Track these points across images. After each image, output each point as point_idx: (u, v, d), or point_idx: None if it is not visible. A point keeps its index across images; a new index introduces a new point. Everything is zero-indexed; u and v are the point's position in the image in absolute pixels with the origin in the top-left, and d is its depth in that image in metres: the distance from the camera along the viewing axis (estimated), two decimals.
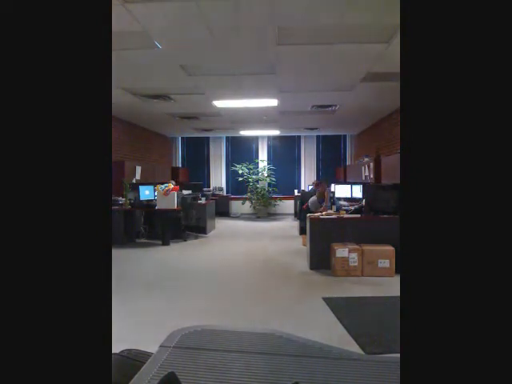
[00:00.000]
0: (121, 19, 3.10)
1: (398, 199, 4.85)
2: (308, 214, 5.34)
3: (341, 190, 8.01)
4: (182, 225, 7.09)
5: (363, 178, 8.07)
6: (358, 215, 5.12)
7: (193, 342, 1.16)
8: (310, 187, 8.19)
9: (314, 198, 5.91)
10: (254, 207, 11.16)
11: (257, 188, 11.05)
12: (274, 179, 11.21)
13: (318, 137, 11.56)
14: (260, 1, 2.86)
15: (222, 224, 9.35)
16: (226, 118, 7.98)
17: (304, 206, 6.48)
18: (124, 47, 3.79)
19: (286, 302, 3.65)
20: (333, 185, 8.34)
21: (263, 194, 11.00)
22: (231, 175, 11.65)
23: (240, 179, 11.02)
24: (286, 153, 11.77)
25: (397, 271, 4.48)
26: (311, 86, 5.44)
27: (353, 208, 5.74)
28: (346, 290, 4.03)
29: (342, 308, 3.41)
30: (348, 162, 11.33)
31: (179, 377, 0.84)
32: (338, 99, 6.36)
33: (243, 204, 11.23)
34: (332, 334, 2.89)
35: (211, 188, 11.58)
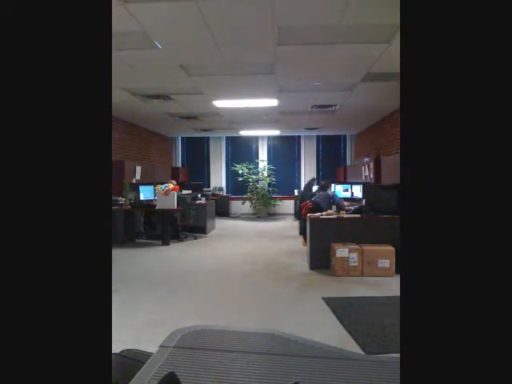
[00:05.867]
0: (121, 19, 3.10)
1: (398, 199, 4.85)
2: (308, 214, 5.34)
3: (341, 190, 8.01)
4: (179, 225, 7.08)
5: (363, 178, 8.07)
6: (358, 215, 5.11)
7: (193, 342, 1.16)
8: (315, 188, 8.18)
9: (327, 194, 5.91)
10: (254, 207, 11.15)
11: (257, 188, 11.05)
12: (274, 179, 11.21)
13: (317, 137, 11.56)
14: (260, 1, 2.86)
15: (221, 224, 9.35)
16: (225, 118, 7.98)
17: (310, 205, 6.39)
18: (124, 47, 3.79)
19: (285, 302, 3.65)
20: (333, 185, 8.33)
21: (263, 194, 10.99)
22: (231, 175, 11.65)
23: (240, 179, 11.02)
24: (285, 153, 11.76)
25: (397, 271, 4.48)
26: (311, 86, 5.44)
27: (353, 208, 5.73)
28: (346, 290, 4.03)
29: (341, 308, 3.41)
30: (348, 162, 11.33)
31: (179, 377, 0.84)
32: (338, 99, 6.36)
33: (243, 204, 11.23)
34: (332, 333, 2.89)
35: (211, 188, 11.58)
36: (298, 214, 7.21)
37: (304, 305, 3.57)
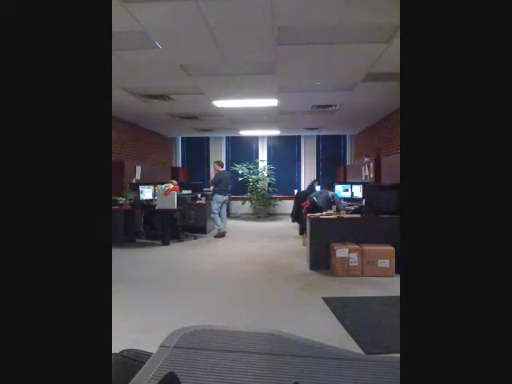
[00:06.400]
0: (121, 19, 3.10)
1: (398, 199, 4.85)
2: (308, 214, 5.34)
3: (341, 190, 8.01)
4: (179, 225, 7.08)
5: (363, 178, 8.07)
6: (358, 215, 5.11)
7: (193, 342, 1.16)
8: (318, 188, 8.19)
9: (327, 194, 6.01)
10: (254, 207, 11.15)
11: (257, 188, 11.04)
12: (274, 179, 11.21)
13: (317, 137, 11.56)
14: (260, 1, 2.86)
15: None
16: (226, 117, 7.98)
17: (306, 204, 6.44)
18: (124, 47, 3.79)
19: (285, 302, 3.65)
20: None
21: (263, 194, 10.99)
22: (231, 175, 11.66)
23: (240, 179, 11.02)
24: (286, 153, 11.76)
25: (397, 271, 4.48)
26: (311, 86, 5.44)
27: (353, 208, 5.74)
28: (346, 290, 4.03)
29: (342, 308, 3.41)
30: (348, 162, 11.33)
31: (179, 377, 0.84)
32: (338, 99, 6.36)
33: (243, 204, 11.22)
34: (332, 333, 2.89)
35: (211, 188, 11.57)
36: (295, 216, 7.20)
37: (304, 305, 3.57)
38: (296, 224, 7.85)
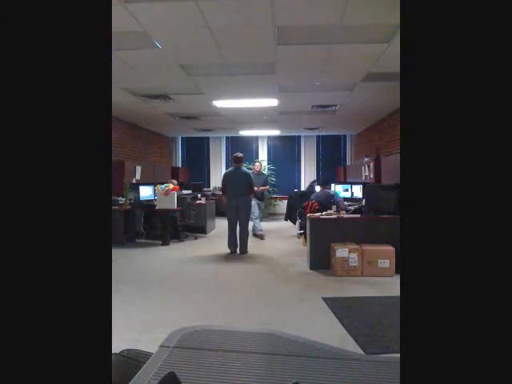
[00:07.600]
0: (121, 19, 3.10)
1: (397, 199, 4.85)
2: (308, 214, 5.34)
3: (341, 190, 8.01)
4: (179, 225, 7.08)
5: (363, 178, 8.07)
6: (358, 215, 5.11)
7: (193, 342, 1.16)
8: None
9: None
10: None
11: None
12: (273, 179, 11.20)
13: (318, 137, 11.56)
14: (260, 1, 2.87)
15: (221, 224, 9.32)
16: (225, 118, 7.98)
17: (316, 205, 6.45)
18: (124, 47, 3.79)
19: (285, 302, 3.65)
20: (333, 185, 8.34)
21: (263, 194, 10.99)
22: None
23: None
24: (285, 153, 11.76)
25: (397, 271, 4.48)
26: (311, 86, 5.44)
27: (353, 208, 5.73)
28: (346, 290, 4.03)
29: (342, 308, 3.41)
30: (348, 162, 11.33)
31: (179, 377, 0.84)
32: (338, 99, 6.36)
33: None
34: (332, 333, 2.89)
35: (211, 188, 11.56)
36: (288, 216, 7.17)
37: (304, 305, 3.57)
38: (294, 224, 7.87)
